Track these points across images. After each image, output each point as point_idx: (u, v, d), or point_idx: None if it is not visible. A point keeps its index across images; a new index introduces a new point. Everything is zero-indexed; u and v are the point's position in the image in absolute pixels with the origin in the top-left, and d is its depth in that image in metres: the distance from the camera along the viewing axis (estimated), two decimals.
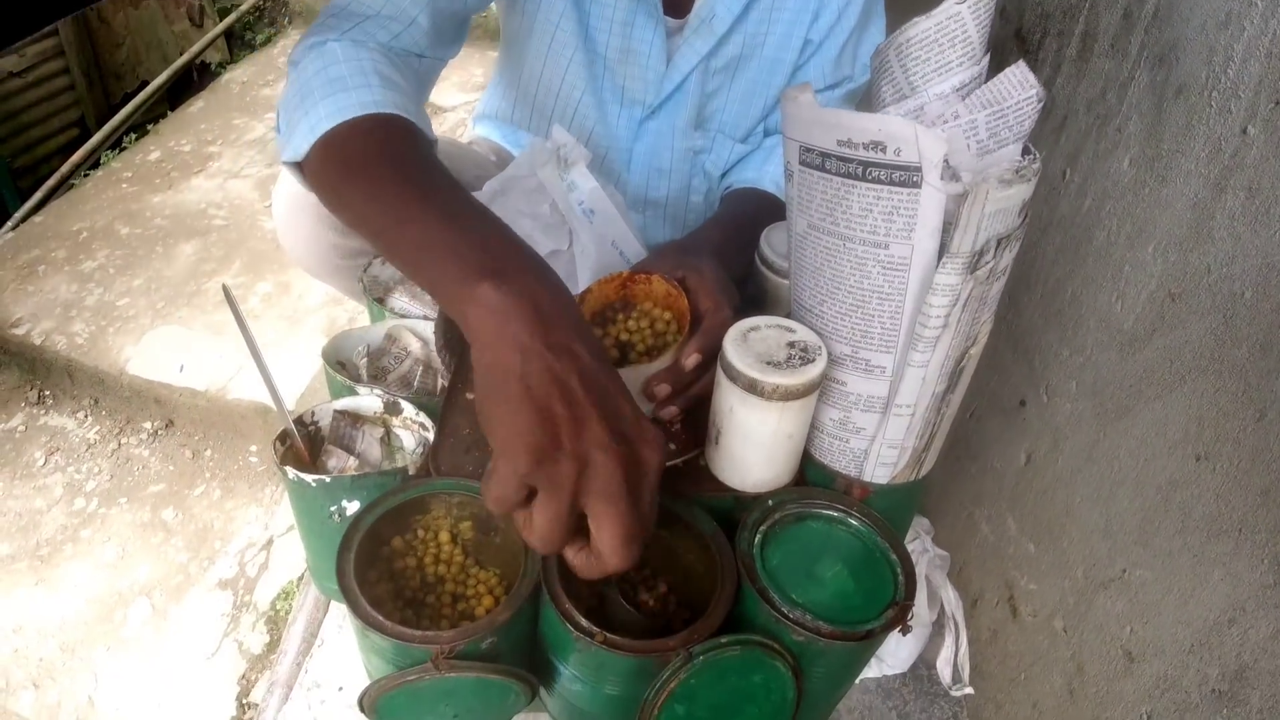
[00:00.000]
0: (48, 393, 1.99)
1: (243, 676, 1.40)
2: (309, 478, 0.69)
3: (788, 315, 0.69)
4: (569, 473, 0.50)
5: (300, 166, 0.71)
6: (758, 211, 0.95)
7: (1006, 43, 1.16)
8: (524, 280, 0.53)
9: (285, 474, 0.71)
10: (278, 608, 1.49)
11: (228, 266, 2.17)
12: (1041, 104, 0.58)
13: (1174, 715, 0.76)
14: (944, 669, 1.11)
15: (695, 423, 0.75)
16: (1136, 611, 0.82)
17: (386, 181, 0.62)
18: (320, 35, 0.76)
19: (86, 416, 1.94)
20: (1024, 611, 1.02)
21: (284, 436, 0.76)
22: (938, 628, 1.16)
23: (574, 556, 0.55)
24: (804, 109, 0.60)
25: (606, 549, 0.52)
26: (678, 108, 1.02)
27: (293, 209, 0.97)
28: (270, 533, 1.64)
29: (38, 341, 1.99)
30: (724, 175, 1.10)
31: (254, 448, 1.83)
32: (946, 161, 0.56)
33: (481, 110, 1.23)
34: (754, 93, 1.02)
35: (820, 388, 0.64)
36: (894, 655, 1.12)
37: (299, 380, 1.81)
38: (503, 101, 1.18)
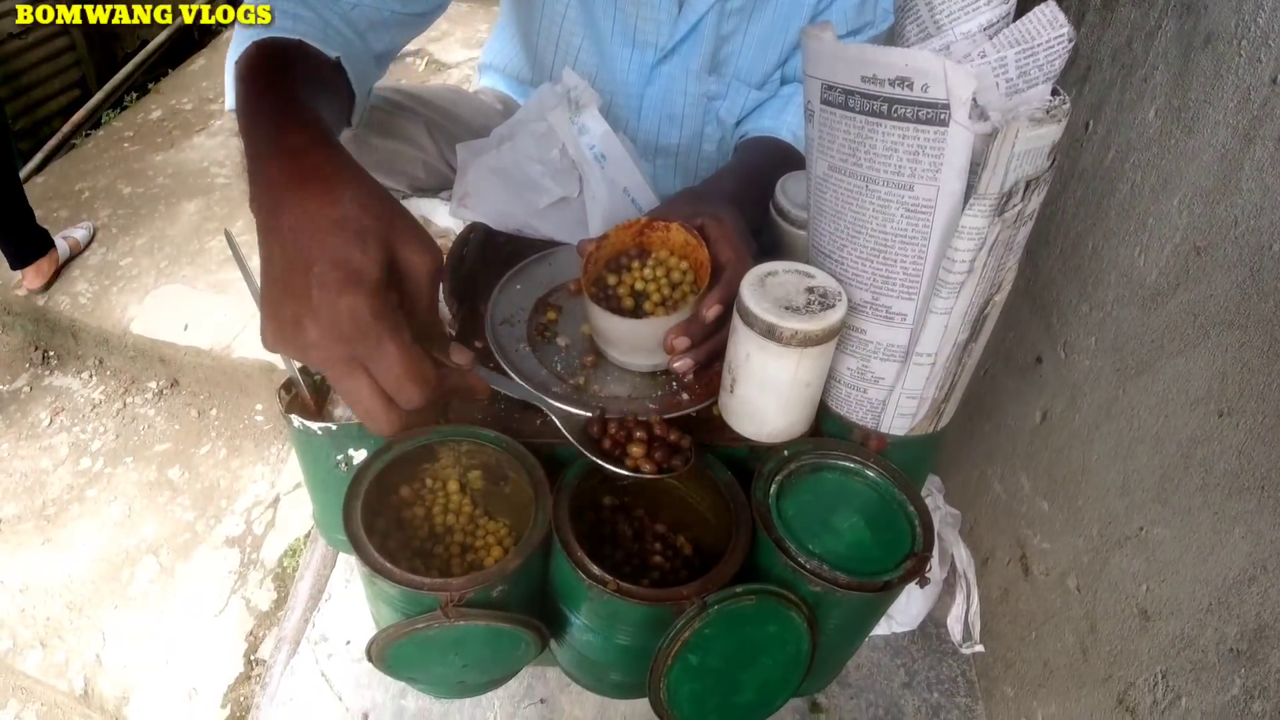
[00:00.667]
0: (52, 353, 1.99)
1: (250, 633, 1.41)
2: (315, 426, 0.68)
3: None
4: (314, 337, 0.49)
5: None
6: (774, 161, 0.93)
7: None
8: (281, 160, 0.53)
9: (290, 422, 0.69)
10: (285, 565, 1.49)
11: (231, 224, 2.15)
12: (1073, 44, 0.56)
13: (1190, 674, 0.76)
14: (954, 627, 1.11)
15: (707, 371, 0.74)
16: (1153, 569, 0.81)
17: (248, 105, 0.62)
18: None
19: (91, 376, 1.94)
20: (1036, 570, 1.01)
21: (289, 385, 0.74)
22: (948, 586, 1.15)
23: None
24: (827, 45, 0.58)
25: (395, 394, 0.52)
26: (691, 51, 0.99)
27: None
28: (277, 491, 1.64)
29: (41, 302, 1.98)
30: (739, 123, 1.07)
31: (259, 406, 1.83)
32: (975, 100, 0.54)
33: (486, 60, 1.21)
34: (771, 37, 0.99)
35: (839, 335, 0.63)
36: (904, 613, 1.12)
37: None
38: (505, 52, 1.16)
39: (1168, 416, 0.81)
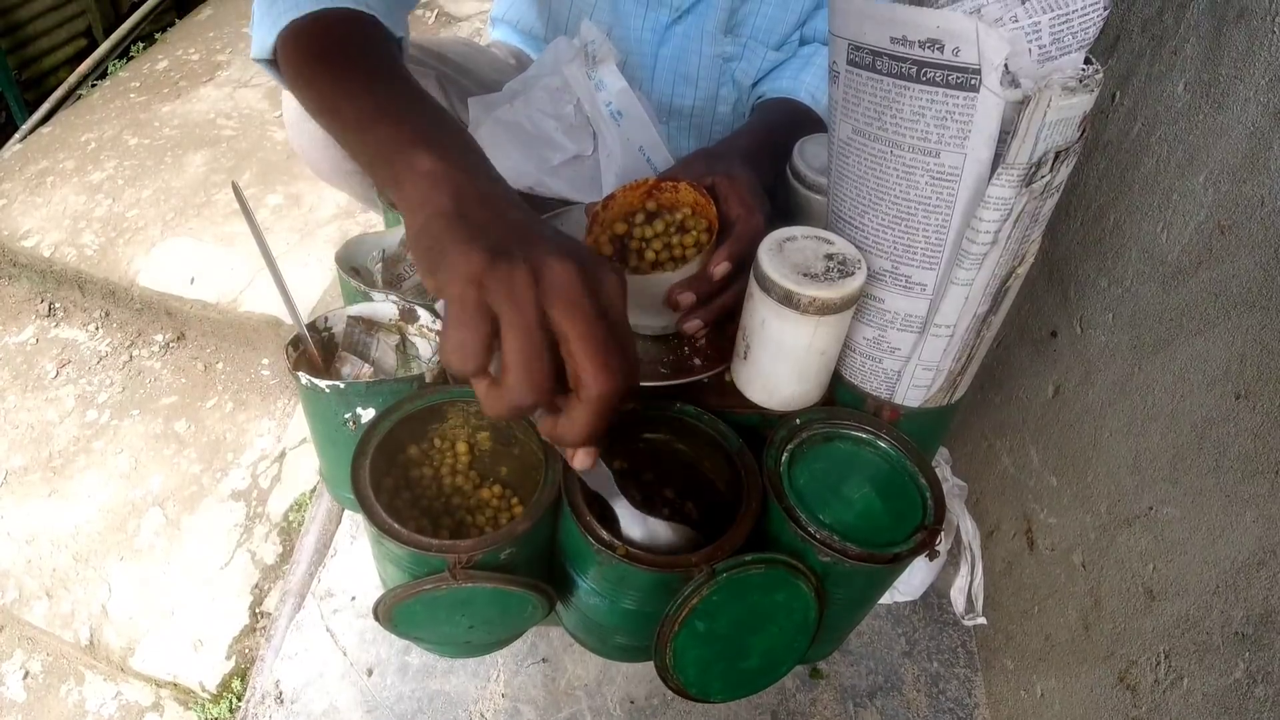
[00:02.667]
0: (58, 305, 1.98)
1: (255, 586, 1.42)
2: (322, 383, 0.68)
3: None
4: (524, 277, 0.43)
5: (272, 61, 0.72)
6: (791, 122, 0.91)
7: None
8: (457, 152, 0.53)
9: (298, 379, 0.69)
10: (290, 519, 1.50)
11: (238, 177, 2.13)
12: (1108, 11, 0.54)
13: (1193, 655, 0.75)
14: (958, 598, 1.11)
15: (720, 337, 0.73)
16: (1161, 549, 0.81)
17: (350, 69, 0.63)
18: None
19: (97, 329, 1.93)
20: (1041, 545, 1.01)
21: (296, 342, 0.74)
22: (951, 557, 1.15)
23: (547, 422, 0.48)
24: (855, 3, 0.56)
25: (586, 371, 0.43)
26: (708, 10, 0.97)
27: (303, 111, 0.93)
28: (283, 445, 1.64)
29: (47, 254, 1.97)
30: (755, 85, 1.05)
31: (266, 360, 1.82)
32: (1006, 66, 0.52)
33: (497, 14, 1.18)
34: None
35: (857, 303, 0.62)
36: (907, 583, 1.12)
37: (311, 293, 1.79)
38: (516, 5, 1.13)
39: (1183, 396, 0.80)
